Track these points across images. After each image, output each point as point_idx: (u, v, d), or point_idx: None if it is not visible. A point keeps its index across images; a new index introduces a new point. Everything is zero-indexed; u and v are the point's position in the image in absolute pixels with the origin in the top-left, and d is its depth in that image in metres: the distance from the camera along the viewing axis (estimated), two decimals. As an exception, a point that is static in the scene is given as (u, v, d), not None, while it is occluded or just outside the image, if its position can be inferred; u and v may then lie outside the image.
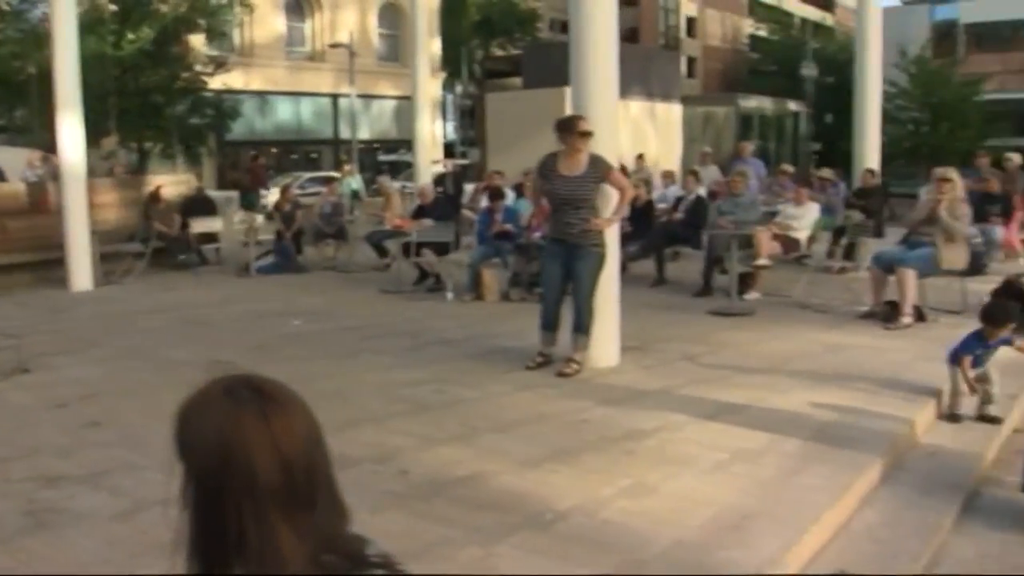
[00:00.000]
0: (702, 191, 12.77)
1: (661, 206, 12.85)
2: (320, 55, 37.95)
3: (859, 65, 15.22)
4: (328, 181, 17.98)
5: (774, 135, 34.17)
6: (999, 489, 5.26)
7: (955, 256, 8.82)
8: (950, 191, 8.90)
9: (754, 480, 4.76)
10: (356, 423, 5.68)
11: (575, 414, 5.95)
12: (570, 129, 6.85)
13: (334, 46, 35.70)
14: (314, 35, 38.44)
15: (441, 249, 11.49)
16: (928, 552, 4.42)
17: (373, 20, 40.10)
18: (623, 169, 16.28)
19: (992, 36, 53.44)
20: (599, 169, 6.91)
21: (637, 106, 22.98)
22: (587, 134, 6.83)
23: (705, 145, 22.24)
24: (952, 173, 9.16)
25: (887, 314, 8.70)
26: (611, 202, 7.14)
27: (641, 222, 11.55)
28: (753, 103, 34.79)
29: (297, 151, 39.08)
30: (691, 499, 4.50)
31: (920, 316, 8.78)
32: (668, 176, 15.76)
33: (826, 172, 15.02)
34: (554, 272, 7.12)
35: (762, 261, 9.93)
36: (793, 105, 37.12)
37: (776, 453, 5.17)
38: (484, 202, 11.92)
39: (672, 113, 24.05)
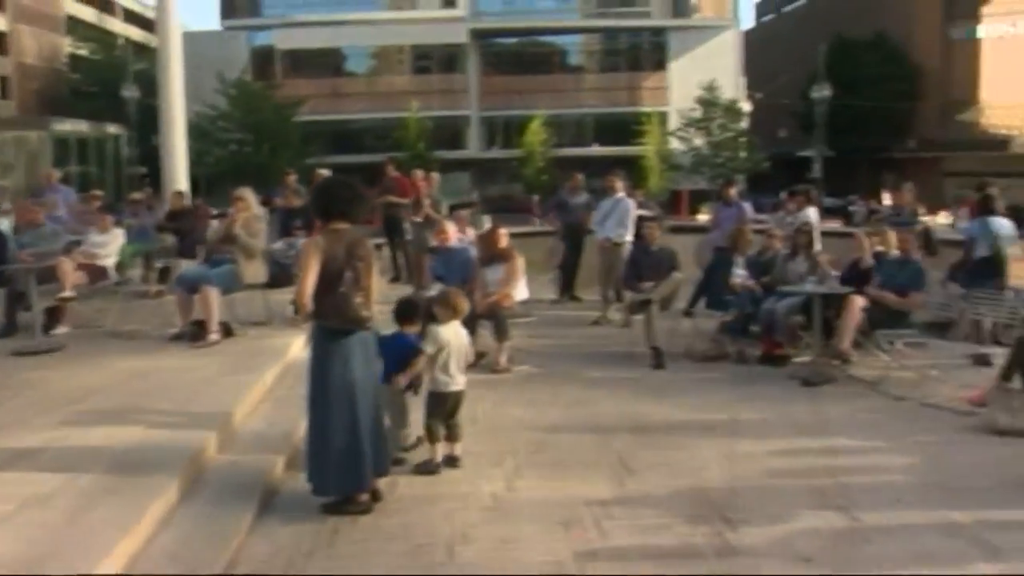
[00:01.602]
0: (4, 225, 11.91)
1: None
2: None
3: (162, 87, 15.22)
4: None
5: (95, 159, 33.22)
6: (294, 485, 5.60)
7: (255, 270, 9.28)
8: (245, 209, 9.32)
9: (42, 526, 4.54)
10: None
11: None
12: None
13: None
14: None
15: None
16: (224, 558, 4.58)
17: None
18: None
19: (306, 63, 57.03)
20: None
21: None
22: None
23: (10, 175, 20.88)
24: (246, 193, 9.60)
25: (195, 333, 8.86)
26: None
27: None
28: (69, 126, 33.43)
29: None
30: (-34, 561, 4.16)
31: (228, 331, 9.08)
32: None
33: (136, 195, 14.88)
34: None
35: (67, 293, 9.52)
36: (113, 128, 36.40)
37: (69, 493, 4.98)
38: None
39: (-22, 138, 22.20)
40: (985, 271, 10.09)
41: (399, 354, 6.03)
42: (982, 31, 55.92)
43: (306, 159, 41.38)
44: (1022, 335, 7.56)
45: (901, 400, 7.87)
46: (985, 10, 55.66)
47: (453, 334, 5.98)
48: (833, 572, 4.48)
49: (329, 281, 5.04)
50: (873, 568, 4.52)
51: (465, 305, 6.21)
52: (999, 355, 7.82)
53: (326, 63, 58.62)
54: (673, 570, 4.52)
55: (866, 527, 5.06)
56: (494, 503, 5.47)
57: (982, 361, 8.64)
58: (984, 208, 10.79)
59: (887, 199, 18.43)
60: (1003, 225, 10.47)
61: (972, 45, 56.08)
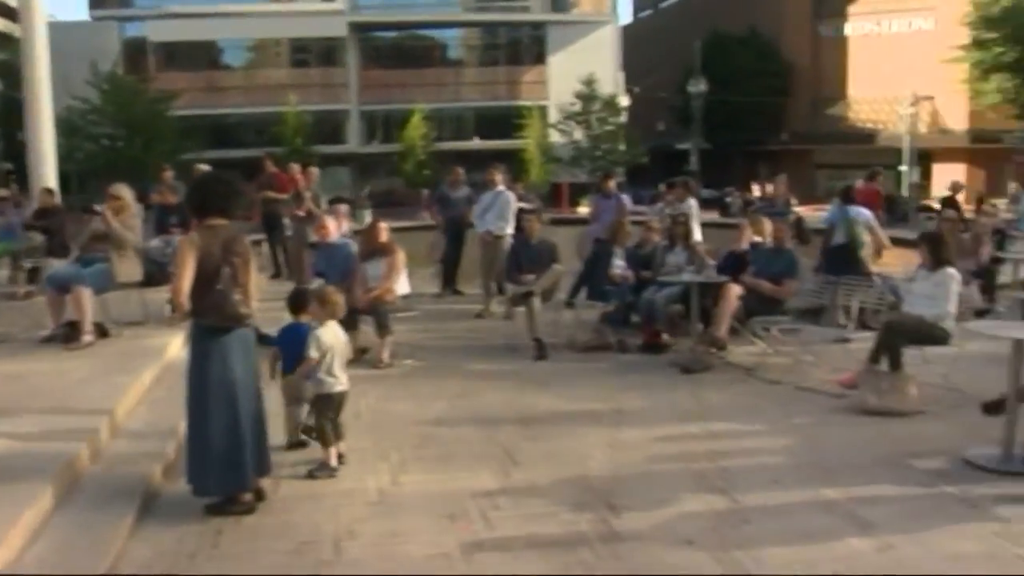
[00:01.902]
0: None
1: None
2: None
3: (28, 79, 14.62)
4: None
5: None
6: (176, 488, 5.47)
7: (129, 269, 9.04)
8: (121, 210, 9.07)
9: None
10: None
11: None
12: None
13: None
14: None
15: None
16: (104, 564, 4.45)
17: None
18: None
19: (181, 55, 55.67)
20: None
21: None
22: None
23: None
24: (123, 190, 9.33)
25: (68, 335, 8.57)
26: None
27: None
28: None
29: None
30: None
31: (103, 332, 8.81)
32: None
33: (2, 192, 14.33)
34: None
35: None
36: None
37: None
38: None
39: None
40: (842, 257, 10.74)
41: (297, 344, 6.00)
42: (849, 29, 58.11)
43: (182, 154, 40.38)
44: (888, 319, 7.87)
45: (777, 384, 8.12)
46: (852, 9, 57.86)
47: (333, 336, 5.92)
48: (714, 553, 4.60)
49: (206, 278, 4.94)
50: (752, 547, 4.65)
51: (342, 302, 6.16)
52: (867, 339, 8.11)
53: (201, 56, 57.32)
54: (559, 557, 4.58)
55: (745, 508, 5.21)
56: (380, 498, 5.45)
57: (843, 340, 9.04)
58: (845, 197, 11.42)
59: (756, 190, 19.09)
60: (860, 213, 11.07)
61: (840, 42, 58.22)
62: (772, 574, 4.38)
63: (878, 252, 12.15)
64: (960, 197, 17.70)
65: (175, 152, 41.01)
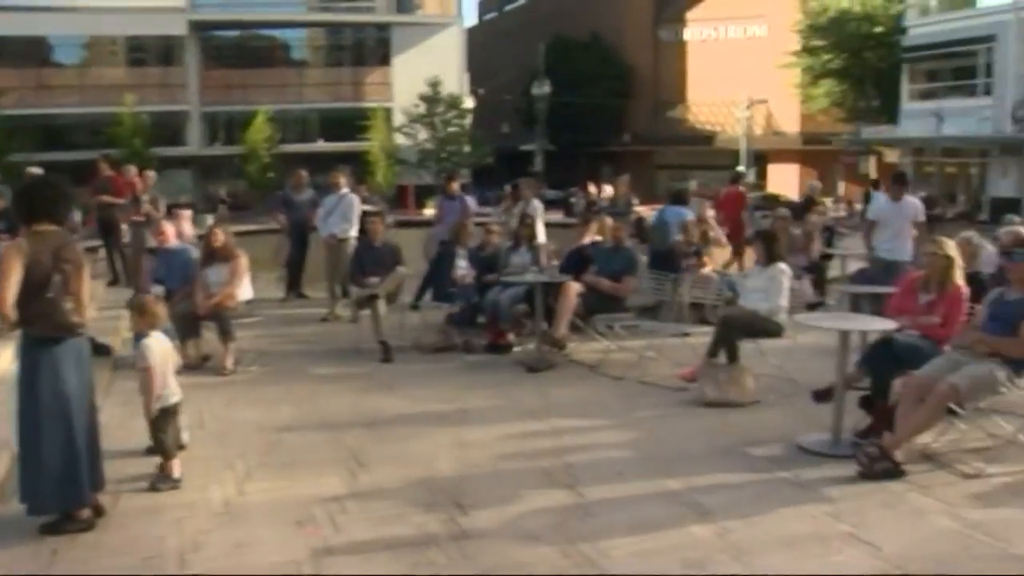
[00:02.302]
0: None
1: None
2: None
3: None
4: None
5: None
6: (8, 508, 5.21)
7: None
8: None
9: None
10: None
11: None
12: None
13: None
14: None
15: None
16: (-75, 593, 4.23)
17: None
18: None
19: (8, 51, 52.99)
20: None
21: None
22: None
23: None
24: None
25: None
26: None
27: None
28: None
29: None
30: None
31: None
32: None
33: None
34: None
35: None
36: None
37: None
38: None
39: None
40: (660, 255, 11.37)
41: None
42: (688, 34, 59.97)
43: (9, 156, 38.55)
44: (725, 314, 8.15)
45: (620, 380, 8.32)
46: (690, 15, 59.69)
47: (161, 346, 5.76)
48: (560, 546, 4.68)
49: (35, 286, 4.71)
50: (597, 539, 4.76)
51: (162, 312, 5.99)
52: (706, 333, 8.37)
53: (31, 52, 54.53)
54: (409, 558, 4.58)
55: (590, 502, 5.33)
56: (225, 508, 5.34)
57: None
58: (674, 199, 12.14)
59: (592, 190, 19.55)
60: (677, 214, 11.73)
61: (679, 47, 60.01)
62: (620, 573, 4.47)
63: (737, 253, 12.71)
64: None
65: (1, 154, 39.11)
